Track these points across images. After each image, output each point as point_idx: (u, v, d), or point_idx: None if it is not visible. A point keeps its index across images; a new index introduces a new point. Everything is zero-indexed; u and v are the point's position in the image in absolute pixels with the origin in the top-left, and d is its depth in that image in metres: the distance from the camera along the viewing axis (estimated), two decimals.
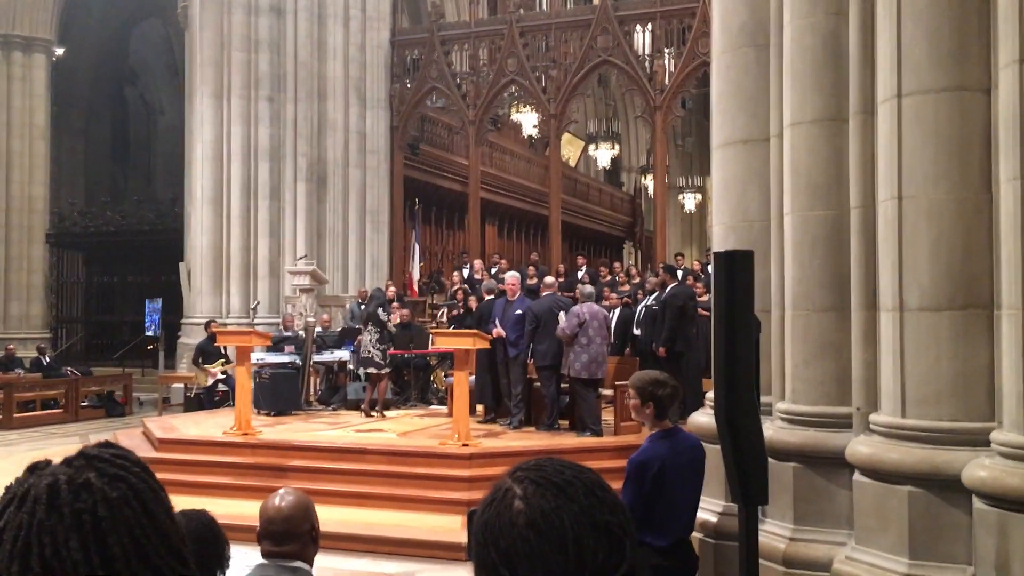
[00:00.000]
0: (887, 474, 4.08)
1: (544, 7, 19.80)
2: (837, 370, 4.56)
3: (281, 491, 3.24)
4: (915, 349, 4.03)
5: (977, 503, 3.78)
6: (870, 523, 4.17)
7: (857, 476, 4.31)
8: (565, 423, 10.50)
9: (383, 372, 11.76)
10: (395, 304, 13.15)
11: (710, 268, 15.77)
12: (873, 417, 4.27)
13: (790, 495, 4.63)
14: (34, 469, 1.04)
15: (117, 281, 22.76)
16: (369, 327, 11.66)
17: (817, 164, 4.60)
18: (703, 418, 5.28)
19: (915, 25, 4.05)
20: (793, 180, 4.70)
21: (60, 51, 21.71)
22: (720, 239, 5.27)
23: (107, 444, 1.09)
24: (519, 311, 10.50)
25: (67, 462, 1.03)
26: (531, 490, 1.03)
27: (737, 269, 3.76)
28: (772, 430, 4.65)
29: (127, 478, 1.02)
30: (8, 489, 1.03)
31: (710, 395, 4.77)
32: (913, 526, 3.96)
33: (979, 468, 3.74)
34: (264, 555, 3.11)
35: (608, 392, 10.71)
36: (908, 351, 4.04)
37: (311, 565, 3.13)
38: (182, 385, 15.84)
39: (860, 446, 4.28)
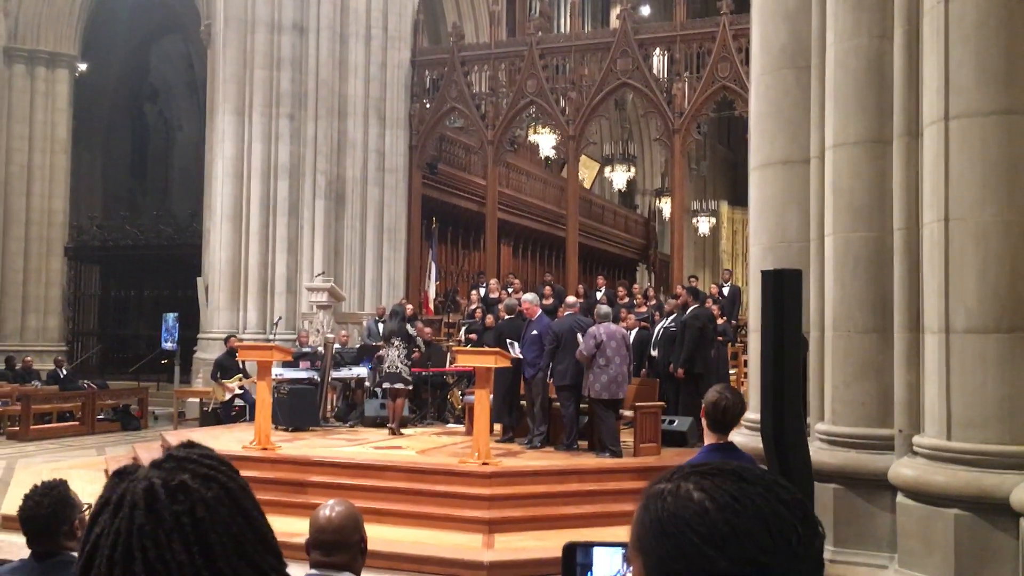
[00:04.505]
0: (933, 497, 4.06)
1: (564, 29, 19.92)
2: (878, 391, 4.54)
3: (331, 502, 3.24)
4: (961, 371, 4.01)
5: None
6: (915, 546, 4.14)
7: (901, 498, 4.28)
8: (584, 443, 10.46)
9: (408, 388, 11.73)
10: (419, 323, 13.15)
11: (725, 291, 15.93)
12: (917, 439, 4.25)
13: (830, 516, 4.59)
14: (123, 474, 1.04)
15: (133, 295, 22.87)
16: (396, 342, 11.60)
17: (860, 185, 4.60)
18: (739, 439, 5.25)
19: (963, 48, 4.06)
20: (835, 201, 4.70)
21: (83, 66, 21.90)
22: (758, 259, 5.26)
23: (191, 444, 1.09)
24: (536, 331, 10.48)
25: (156, 465, 1.04)
26: (704, 482, 0.94)
27: (786, 288, 3.76)
28: (812, 451, 4.62)
29: (218, 477, 1.03)
30: (100, 496, 1.03)
31: (747, 415, 4.75)
32: (959, 549, 3.93)
33: None
34: (313, 565, 3.11)
35: (628, 413, 10.67)
36: (954, 373, 4.02)
37: None
38: (198, 400, 15.85)
39: (904, 468, 4.26)
